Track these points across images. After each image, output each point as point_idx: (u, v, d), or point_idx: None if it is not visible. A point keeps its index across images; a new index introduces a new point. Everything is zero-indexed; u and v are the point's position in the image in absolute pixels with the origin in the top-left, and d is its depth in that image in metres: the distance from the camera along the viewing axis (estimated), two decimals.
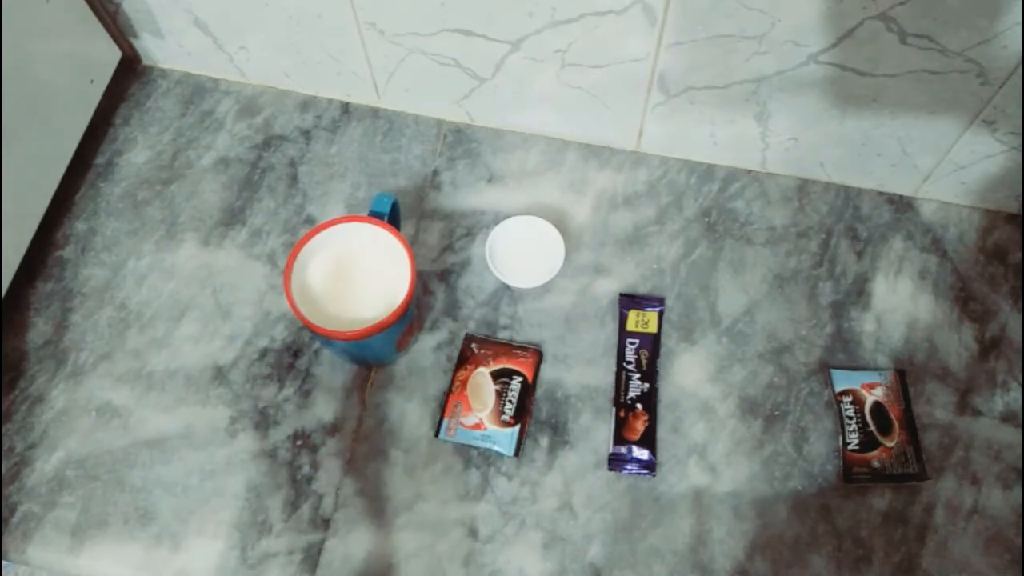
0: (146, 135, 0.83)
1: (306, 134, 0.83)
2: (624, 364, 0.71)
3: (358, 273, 0.65)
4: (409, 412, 0.70)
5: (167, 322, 0.74)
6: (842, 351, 0.72)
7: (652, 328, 0.72)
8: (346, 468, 0.68)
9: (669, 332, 0.73)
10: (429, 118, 0.83)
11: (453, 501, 0.67)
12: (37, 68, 0.71)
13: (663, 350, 0.72)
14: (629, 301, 0.74)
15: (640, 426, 0.69)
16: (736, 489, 0.67)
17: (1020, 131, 0.68)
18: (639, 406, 0.69)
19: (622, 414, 0.69)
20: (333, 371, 0.72)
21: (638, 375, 0.70)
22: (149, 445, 0.69)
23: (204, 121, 0.83)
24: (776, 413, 0.70)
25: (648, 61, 0.70)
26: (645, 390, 0.70)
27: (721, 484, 0.67)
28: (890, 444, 0.67)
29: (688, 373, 0.72)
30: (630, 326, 0.72)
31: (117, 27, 0.82)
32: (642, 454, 0.68)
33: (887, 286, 0.75)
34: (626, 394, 0.70)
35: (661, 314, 0.73)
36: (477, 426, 0.68)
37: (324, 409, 0.70)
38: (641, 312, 0.73)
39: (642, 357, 0.71)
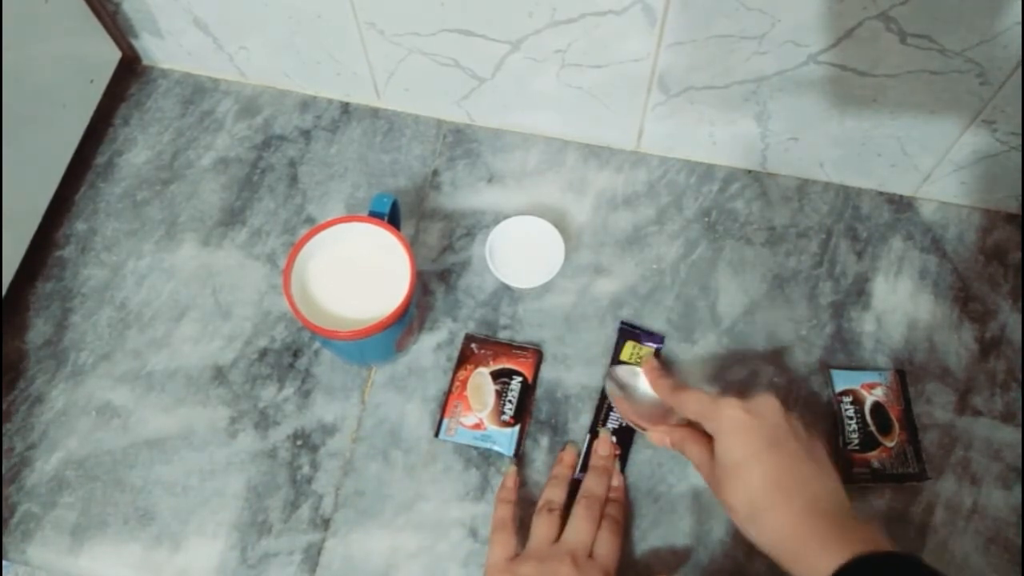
0: (146, 135, 0.83)
1: (306, 134, 0.83)
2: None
3: (358, 273, 0.65)
4: (409, 412, 0.70)
5: (167, 322, 0.74)
6: (842, 351, 0.72)
7: None
8: (346, 468, 0.68)
9: (670, 332, 0.73)
10: (429, 118, 0.83)
11: (453, 501, 0.67)
12: (37, 68, 0.71)
13: (660, 357, 0.72)
14: (629, 331, 0.72)
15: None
16: None
17: (1020, 131, 0.68)
18: (614, 438, 0.68)
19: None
20: (333, 371, 0.72)
21: None
22: (149, 445, 0.69)
23: (204, 121, 0.83)
24: None
25: (648, 61, 0.70)
26: (624, 423, 0.68)
27: None
28: (890, 444, 0.67)
29: (688, 373, 0.71)
30: (624, 356, 0.71)
31: (117, 27, 0.81)
32: None
33: (887, 286, 0.75)
34: (604, 424, 0.69)
35: (658, 352, 0.71)
36: (477, 426, 0.68)
37: (324, 409, 0.70)
38: (638, 345, 0.71)
39: None
